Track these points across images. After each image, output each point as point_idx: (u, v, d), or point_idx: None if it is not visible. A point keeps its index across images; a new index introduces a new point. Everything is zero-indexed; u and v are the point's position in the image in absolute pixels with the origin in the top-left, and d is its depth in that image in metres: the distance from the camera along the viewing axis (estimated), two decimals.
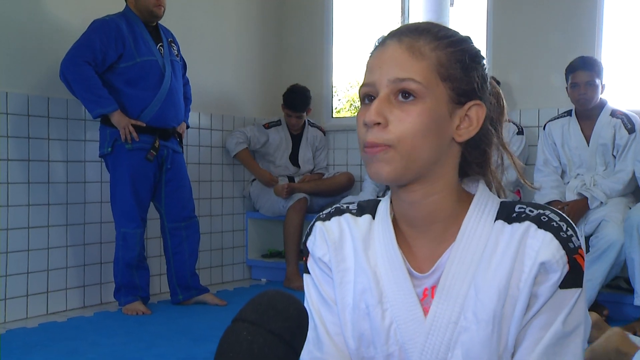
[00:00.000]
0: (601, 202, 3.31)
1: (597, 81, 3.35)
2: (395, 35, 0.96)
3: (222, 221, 4.48)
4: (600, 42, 3.88)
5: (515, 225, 0.93)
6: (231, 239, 4.56)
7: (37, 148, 3.39)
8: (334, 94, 5.09)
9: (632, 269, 3.03)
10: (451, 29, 0.98)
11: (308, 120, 4.63)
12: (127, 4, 3.45)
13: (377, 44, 0.98)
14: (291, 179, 4.54)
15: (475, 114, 0.95)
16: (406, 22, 1.00)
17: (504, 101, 1.04)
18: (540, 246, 0.90)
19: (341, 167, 4.76)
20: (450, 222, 0.97)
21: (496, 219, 0.96)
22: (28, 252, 3.35)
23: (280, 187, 4.31)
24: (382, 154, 0.91)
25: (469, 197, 0.99)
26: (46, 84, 3.44)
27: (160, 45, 3.49)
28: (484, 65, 0.98)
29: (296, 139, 4.60)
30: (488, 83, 0.99)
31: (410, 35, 0.94)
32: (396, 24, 5.18)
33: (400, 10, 4.70)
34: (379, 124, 0.91)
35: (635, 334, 2.95)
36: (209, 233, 4.34)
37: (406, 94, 0.91)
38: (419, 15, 4.33)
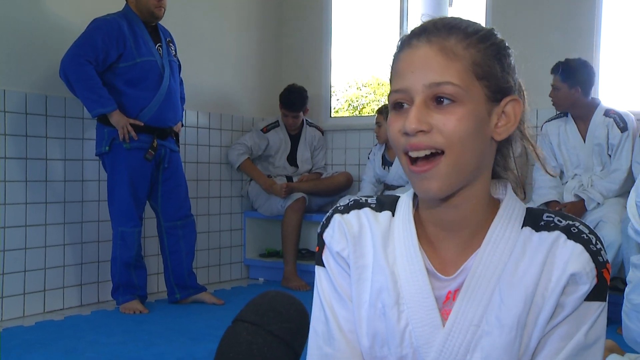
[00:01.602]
0: (598, 203, 3.32)
1: (564, 85, 3.38)
2: (422, 34, 0.91)
3: (220, 220, 4.48)
4: (599, 43, 3.88)
5: (544, 233, 0.93)
6: (229, 238, 4.56)
7: (35, 146, 3.39)
8: (332, 94, 5.09)
9: (629, 270, 3.03)
10: (476, 23, 0.94)
11: (306, 120, 4.64)
12: (127, 4, 3.44)
13: (400, 44, 0.94)
14: (289, 178, 4.54)
15: (512, 110, 0.93)
16: (405, 23, 0.97)
17: (525, 92, 1.01)
18: (570, 257, 0.90)
19: (339, 166, 4.77)
20: (479, 227, 0.95)
21: (523, 225, 0.95)
22: (25, 251, 3.34)
23: (279, 187, 4.31)
24: (430, 172, 0.88)
25: (496, 202, 0.98)
26: (44, 82, 3.43)
27: (159, 46, 3.49)
28: (512, 59, 0.96)
29: (294, 139, 4.61)
30: (517, 76, 0.97)
31: (438, 34, 0.90)
32: (395, 24, 5.16)
33: (399, 10, 4.69)
34: (422, 131, 0.88)
35: None
36: (206, 232, 4.34)
37: (444, 98, 0.88)
38: (417, 15, 4.33)
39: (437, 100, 0.88)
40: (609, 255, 3.09)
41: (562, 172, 3.59)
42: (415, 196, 1.02)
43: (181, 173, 3.65)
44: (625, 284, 3.27)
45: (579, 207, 3.34)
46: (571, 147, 3.50)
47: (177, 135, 3.64)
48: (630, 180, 3.34)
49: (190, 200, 3.73)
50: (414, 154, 0.89)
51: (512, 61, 0.96)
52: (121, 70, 3.34)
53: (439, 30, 0.91)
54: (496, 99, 0.92)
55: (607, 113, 3.40)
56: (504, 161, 1.01)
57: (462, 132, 0.87)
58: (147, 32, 3.45)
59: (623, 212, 3.18)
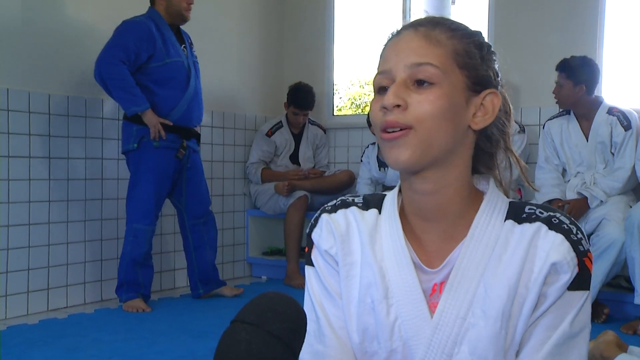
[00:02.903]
0: (601, 201, 3.31)
1: (568, 83, 3.38)
2: (410, 25, 0.97)
3: (222, 218, 4.48)
4: (602, 41, 3.87)
5: (526, 225, 0.94)
6: (232, 236, 4.57)
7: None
8: (335, 92, 5.09)
9: (632, 268, 3.03)
10: (463, 24, 0.99)
11: (308, 119, 4.64)
12: (151, 6, 3.50)
13: (390, 35, 0.99)
14: None
15: (490, 103, 0.96)
16: (408, 21, 1.00)
17: (510, 105, 1.04)
18: (551, 247, 0.91)
19: (342, 164, 4.77)
20: (460, 218, 0.97)
21: (506, 218, 0.96)
22: (29, 249, 3.36)
23: (281, 185, 4.31)
24: (401, 139, 0.91)
25: (479, 195, 1.00)
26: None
27: (183, 47, 3.57)
28: (495, 59, 0.99)
29: (297, 138, 4.62)
30: (500, 78, 1.00)
31: (425, 25, 0.96)
32: (398, 23, 5.20)
33: (401, 8, 4.69)
34: (398, 106, 0.91)
35: (635, 332, 2.95)
36: None
37: (424, 81, 0.91)
38: (420, 13, 4.33)
39: (417, 82, 0.92)
40: (612, 254, 3.09)
41: (564, 170, 3.59)
42: (400, 192, 1.04)
43: (202, 172, 3.75)
44: (629, 282, 3.27)
45: (582, 205, 3.34)
46: (573, 145, 3.49)
47: (199, 136, 3.71)
48: (633, 178, 3.34)
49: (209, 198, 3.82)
50: (389, 130, 0.92)
51: (496, 62, 0.99)
52: (151, 70, 3.42)
53: (427, 23, 0.96)
54: (475, 90, 0.95)
55: (611, 111, 3.39)
56: (489, 161, 1.03)
57: (434, 111, 0.90)
58: (173, 33, 3.52)
59: (626, 210, 3.18)
